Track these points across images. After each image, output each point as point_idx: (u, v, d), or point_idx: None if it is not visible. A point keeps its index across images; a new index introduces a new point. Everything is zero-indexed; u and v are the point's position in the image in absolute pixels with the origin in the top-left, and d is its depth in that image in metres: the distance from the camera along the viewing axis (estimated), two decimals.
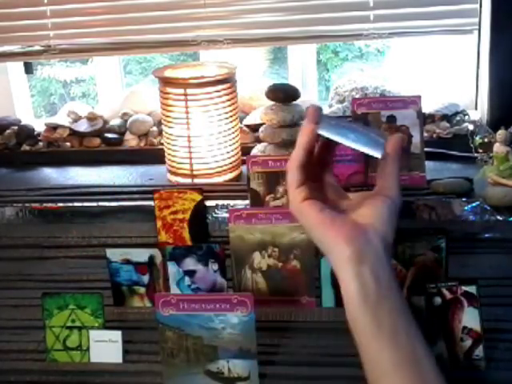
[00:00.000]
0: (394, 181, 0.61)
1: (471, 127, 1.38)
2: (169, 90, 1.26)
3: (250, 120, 1.49)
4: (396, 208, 0.60)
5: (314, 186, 0.63)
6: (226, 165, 1.30)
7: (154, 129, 1.52)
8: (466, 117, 1.42)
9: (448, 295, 0.90)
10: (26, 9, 1.49)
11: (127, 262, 1.07)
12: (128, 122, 1.53)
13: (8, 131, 1.56)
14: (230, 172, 1.32)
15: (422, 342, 0.57)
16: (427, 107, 1.39)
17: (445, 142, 1.38)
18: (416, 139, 1.21)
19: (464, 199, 1.15)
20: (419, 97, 1.20)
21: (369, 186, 1.11)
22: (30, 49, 1.53)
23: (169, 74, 1.30)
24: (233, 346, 0.88)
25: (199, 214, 1.14)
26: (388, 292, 0.56)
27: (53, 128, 1.55)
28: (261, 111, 1.31)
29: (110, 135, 1.52)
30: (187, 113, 1.25)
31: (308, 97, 1.57)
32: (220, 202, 1.18)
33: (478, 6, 1.35)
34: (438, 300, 0.90)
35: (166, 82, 1.27)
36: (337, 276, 0.59)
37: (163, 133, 1.33)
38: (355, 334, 0.57)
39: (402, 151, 0.61)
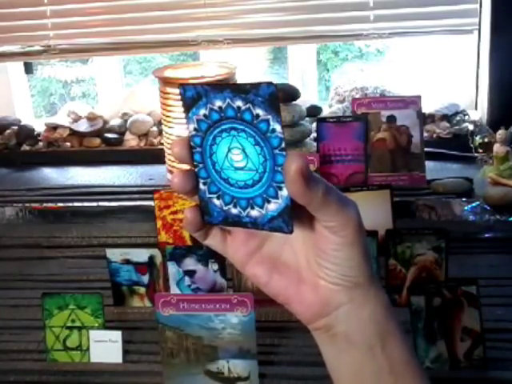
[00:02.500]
0: (328, 207, 0.41)
1: (471, 127, 1.38)
2: (169, 89, 1.26)
3: None
4: (353, 240, 0.43)
5: (240, 236, 0.47)
6: None
7: (154, 129, 1.52)
8: (466, 117, 1.42)
9: (448, 295, 0.90)
10: (26, 9, 1.50)
11: (127, 262, 1.07)
12: (128, 122, 1.53)
13: (8, 131, 1.56)
14: None
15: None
16: (427, 107, 1.39)
17: (445, 141, 1.38)
18: (416, 139, 1.21)
19: (464, 199, 1.15)
20: (419, 97, 1.21)
21: (368, 186, 1.11)
22: (30, 49, 1.53)
23: (169, 73, 1.30)
24: (233, 345, 0.88)
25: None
26: (370, 351, 0.47)
27: (53, 128, 1.55)
28: None
29: (109, 135, 1.52)
30: None
31: (308, 97, 1.57)
32: None
33: (477, 6, 1.35)
34: (437, 300, 0.89)
35: (166, 81, 1.27)
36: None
37: (163, 133, 1.33)
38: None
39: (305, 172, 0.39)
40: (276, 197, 0.41)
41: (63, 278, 1.19)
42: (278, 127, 0.40)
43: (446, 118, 1.43)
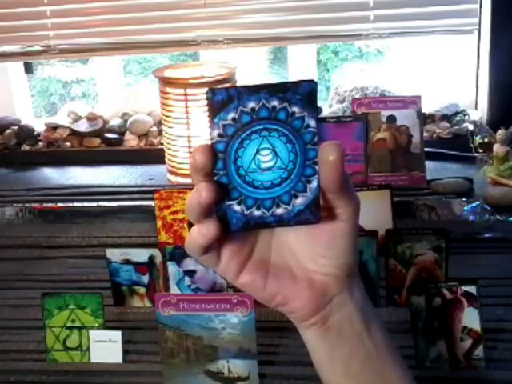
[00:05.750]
0: (345, 195, 0.44)
1: (471, 127, 1.38)
2: (169, 89, 1.26)
3: None
4: (355, 225, 0.45)
5: (232, 247, 0.46)
6: None
7: (154, 129, 1.52)
8: (466, 117, 1.42)
9: (448, 295, 0.90)
10: (26, 9, 1.49)
11: (127, 262, 1.07)
12: (128, 122, 1.53)
13: (8, 131, 1.56)
14: None
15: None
16: (427, 107, 1.39)
17: (445, 142, 1.38)
18: (416, 139, 1.21)
19: (464, 199, 1.15)
20: (419, 97, 1.21)
21: (368, 186, 1.11)
22: (30, 49, 1.53)
23: (169, 73, 1.30)
24: (233, 345, 0.88)
25: None
26: (360, 339, 0.48)
27: (53, 128, 1.55)
28: None
29: (109, 135, 1.52)
30: (187, 113, 1.25)
31: None
32: None
33: (478, 6, 1.35)
34: (437, 300, 0.89)
35: (166, 81, 1.27)
36: (300, 331, 0.50)
37: (163, 133, 1.33)
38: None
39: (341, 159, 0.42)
40: (304, 190, 0.43)
41: (63, 278, 1.19)
42: (312, 123, 0.41)
43: (446, 118, 1.43)
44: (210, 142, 0.42)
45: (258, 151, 0.42)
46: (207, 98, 0.41)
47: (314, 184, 0.43)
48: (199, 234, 0.43)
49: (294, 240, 0.47)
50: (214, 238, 0.43)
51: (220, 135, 0.41)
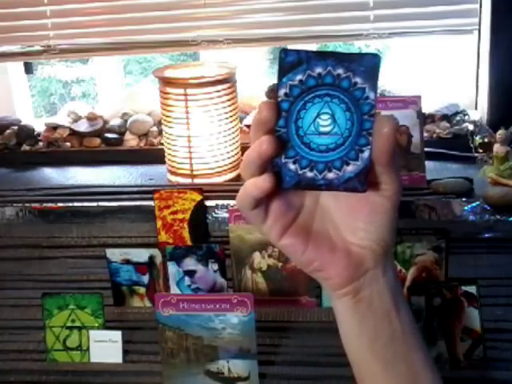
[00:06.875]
0: (392, 173, 0.46)
1: (471, 127, 1.38)
2: (169, 89, 1.26)
3: (250, 120, 1.49)
4: (396, 205, 0.47)
5: (280, 207, 0.47)
6: (225, 165, 1.30)
7: (154, 129, 1.52)
8: (466, 117, 1.42)
9: (448, 295, 0.90)
10: (26, 9, 1.49)
11: (127, 262, 1.07)
12: (128, 122, 1.53)
13: (8, 131, 1.56)
14: (230, 172, 1.32)
15: (423, 361, 0.51)
16: (427, 107, 1.39)
17: (445, 141, 1.38)
18: (416, 139, 1.21)
19: (464, 199, 1.15)
20: (419, 97, 1.20)
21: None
22: (30, 49, 1.53)
23: (169, 73, 1.30)
24: (233, 345, 0.88)
25: (199, 214, 1.14)
26: (387, 317, 0.50)
27: (53, 128, 1.55)
28: None
29: (109, 135, 1.52)
30: (187, 113, 1.25)
31: None
32: (220, 202, 1.18)
33: (478, 6, 1.35)
34: (437, 300, 0.89)
35: (166, 81, 1.27)
36: (331, 303, 0.52)
37: (163, 133, 1.33)
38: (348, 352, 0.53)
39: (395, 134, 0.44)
40: (356, 159, 0.44)
41: (63, 278, 1.19)
42: (372, 95, 0.43)
43: (446, 118, 1.43)
44: (275, 100, 0.44)
45: (318, 115, 0.44)
46: (280, 58, 0.43)
47: (366, 154, 0.44)
48: (255, 185, 0.44)
49: (337, 210, 0.49)
50: (268, 190, 0.44)
51: (286, 94, 0.43)
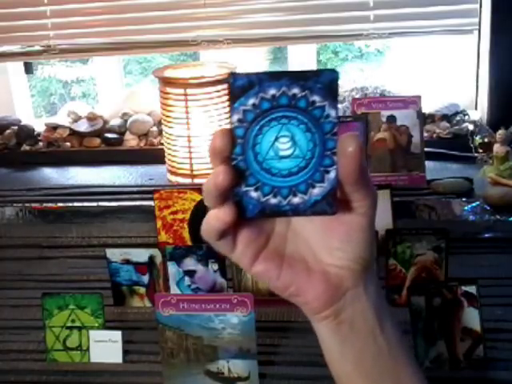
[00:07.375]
0: (363, 189, 0.43)
1: (471, 127, 1.38)
2: (169, 89, 1.26)
3: None
4: (372, 220, 0.45)
5: (249, 235, 0.45)
6: None
7: (154, 129, 1.52)
8: (466, 117, 1.42)
9: (448, 295, 0.90)
10: (26, 9, 1.50)
11: (127, 262, 1.07)
12: (128, 122, 1.53)
13: (8, 131, 1.56)
14: None
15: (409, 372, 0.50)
16: (427, 107, 1.39)
17: (445, 142, 1.38)
18: (416, 139, 1.21)
19: (464, 199, 1.15)
20: (419, 97, 1.21)
21: None
22: (30, 49, 1.53)
23: (169, 73, 1.30)
24: (233, 345, 0.88)
25: (199, 214, 1.14)
26: (372, 334, 0.48)
27: (53, 128, 1.55)
28: None
29: (109, 135, 1.52)
30: (187, 113, 1.25)
31: None
32: None
33: (478, 6, 1.35)
34: (437, 300, 0.89)
35: (166, 81, 1.27)
36: (312, 324, 0.50)
37: (163, 133, 1.33)
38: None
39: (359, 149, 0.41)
40: (322, 181, 0.42)
41: (63, 278, 1.19)
42: (332, 113, 0.41)
43: (446, 118, 1.43)
44: (229, 127, 0.41)
45: (276, 138, 0.41)
46: (228, 83, 0.41)
47: (332, 175, 0.42)
48: (216, 218, 0.43)
49: (310, 232, 0.47)
50: (230, 222, 0.43)
51: (240, 120, 0.41)
